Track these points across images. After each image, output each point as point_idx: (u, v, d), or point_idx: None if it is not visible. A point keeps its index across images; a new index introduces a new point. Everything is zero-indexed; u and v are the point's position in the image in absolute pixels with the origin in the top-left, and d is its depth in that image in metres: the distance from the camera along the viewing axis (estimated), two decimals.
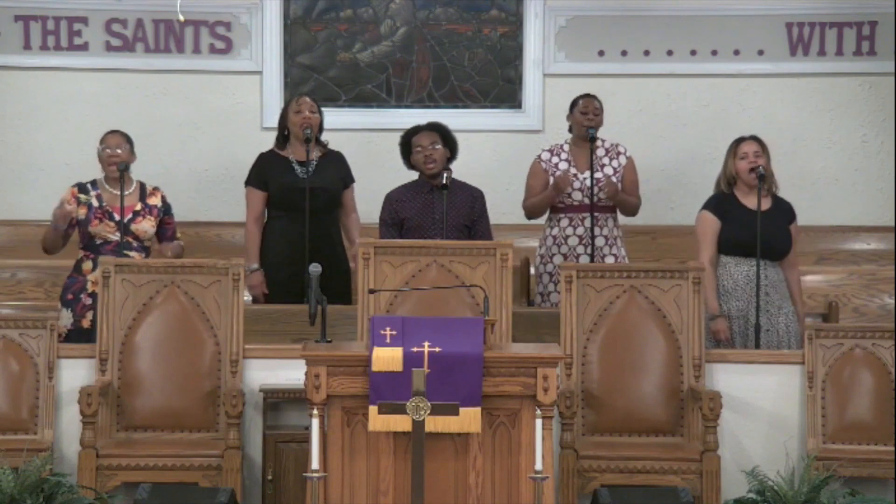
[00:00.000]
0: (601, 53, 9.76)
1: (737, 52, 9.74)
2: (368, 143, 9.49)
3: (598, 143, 8.21)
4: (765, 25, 9.71)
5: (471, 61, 9.88)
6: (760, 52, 9.74)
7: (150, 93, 9.68)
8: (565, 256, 8.05)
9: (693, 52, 9.75)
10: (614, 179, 8.15)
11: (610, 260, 8.12)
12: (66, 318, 7.50)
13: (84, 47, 9.68)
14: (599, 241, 8.11)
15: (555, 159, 8.21)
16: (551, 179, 8.16)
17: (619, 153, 8.26)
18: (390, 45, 9.88)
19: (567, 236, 8.13)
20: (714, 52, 9.75)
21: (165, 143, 9.44)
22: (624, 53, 9.75)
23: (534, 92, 9.77)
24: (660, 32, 9.73)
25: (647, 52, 9.75)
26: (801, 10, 9.70)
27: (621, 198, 8.15)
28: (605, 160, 8.21)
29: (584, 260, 8.04)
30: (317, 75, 9.84)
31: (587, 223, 8.09)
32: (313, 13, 9.88)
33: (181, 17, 9.17)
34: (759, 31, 9.71)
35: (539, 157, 8.28)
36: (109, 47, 9.69)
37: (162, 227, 7.72)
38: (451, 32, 9.89)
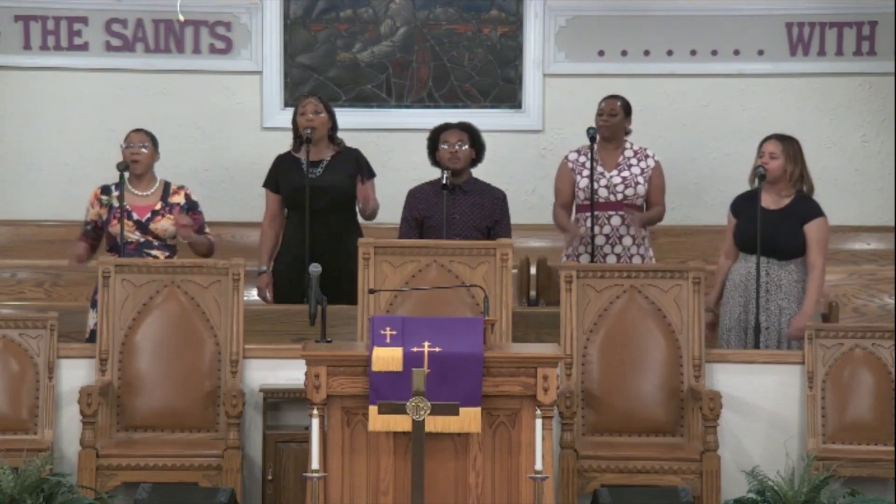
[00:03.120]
0: (601, 53, 9.76)
1: (737, 52, 9.74)
2: (369, 142, 9.46)
3: (627, 144, 8.24)
4: (765, 25, 9.71)
5: (471, 61, 9.88)
6: (760, 52, 9.74)
7: (150, 93, 9.68)
8: (592, 256, 8.05)
9: (693, 52, 9.75)
10: (640, 180, 8.16)
11: (637, 260, 8.10)
12: (92, 319, 7.51)
13: (84, 47, 9.68)
14: (627, 241, 8.13)
15: (581, 159, 8.22)
16: (577, 178, 8.16)
17: (647, 156, 8.25)
18: (390, 45, 9.89)
19: (594, 235, 8.11)
20: (714, 52, 9.75)
21: (165, 143, 9.36)
22: (624, 53, 9.75)
23: (534, 92, 9.77)
24: (660, 32, 9.73)
25: (647, 52, 9.75)
26: (801, 10, 9.70)
27: (646, 219, 8.17)
28: (633, 161, 8.22)
29: (612, 259, 8.05)
30: (317, 75, 9.84)
31: (613, 222, 8.11)
32: (313, 13, 9.88)
33: (181, 17, 9.17)
34: (759, 31, 9.71)
35: (566, 157, 8.29)
36: (109, 47, 9.69)
37: None
38: (451, 32, 9.90)
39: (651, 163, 8.25)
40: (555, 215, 8.31)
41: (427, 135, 8.05)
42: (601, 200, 8.13)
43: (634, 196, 8.16)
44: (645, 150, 8.29)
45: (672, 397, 6.90)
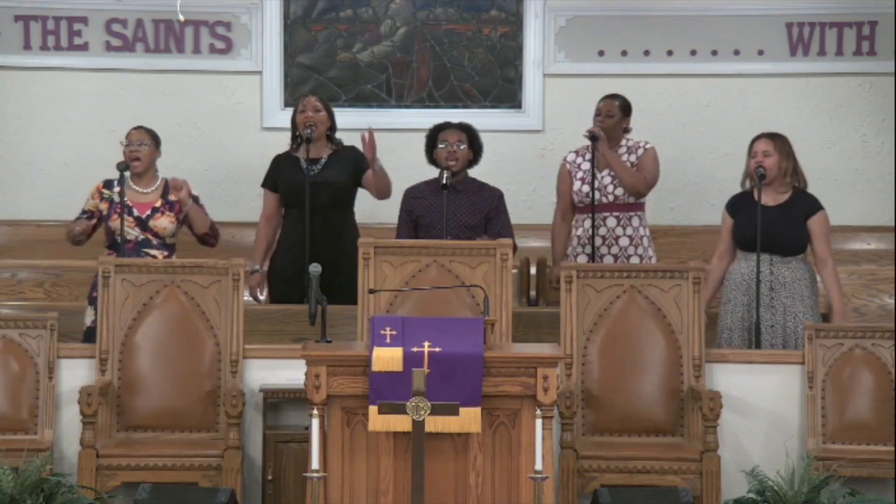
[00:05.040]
0: (601, 53, 9.76)
1: (737, 52, 9.74)
2: None
3: (623, 142, 8.19)
4: (765, 25, 9.71)
5: (471, 61, 9.88)
6: (760, 52, 9.74)
7: (150, 93, 9.68)
8: (590, 257, 8.03)
9: (693, 52, 9.75)
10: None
11: (635, 261, 8.07)
12: (89, 316, 7.51)
13: (84, 47, 9.68)
14: (624, 241, 8.10)
15: (579, 160, 8.20)
16: (577, 183, 8.12)
17: (638, 147, 8.20)
18: (390, 45, 9.89)
19: (591, 237, 8.08)
20: (714, 52, 9.74)
21: (165, 143, 9.38)
22: (624, 53, 9.75)
23: (534, 92, 9.77)
24: (660, 32, 9.73)
25: (647, 52, 9.75)
26: (801, 10, 9.70)
27: (616, 159, 8.08)
28: (625, 156, 8.18)
29: (609, 260, 8.03)
30: (317, 75, 9.84)
31: (609, 223, 8.08)
32: (313, 13, 9.88)
33: (181, 17, 9.16)
34: (759, 31, 9.71)
35: (565, 158, 8.27)
36: (109, 47, 9.69)
37: None
38: (451, 32, 9.89)
39: (640, 151, 8.19)
40: (553, 228, 8.28)
41: (426, 133, 8.05)
42: (596, 203, 8.09)
43: (626, 195, 8.13)
44: (638, 142, 8.22)
45: (672, 397, 6.90)
